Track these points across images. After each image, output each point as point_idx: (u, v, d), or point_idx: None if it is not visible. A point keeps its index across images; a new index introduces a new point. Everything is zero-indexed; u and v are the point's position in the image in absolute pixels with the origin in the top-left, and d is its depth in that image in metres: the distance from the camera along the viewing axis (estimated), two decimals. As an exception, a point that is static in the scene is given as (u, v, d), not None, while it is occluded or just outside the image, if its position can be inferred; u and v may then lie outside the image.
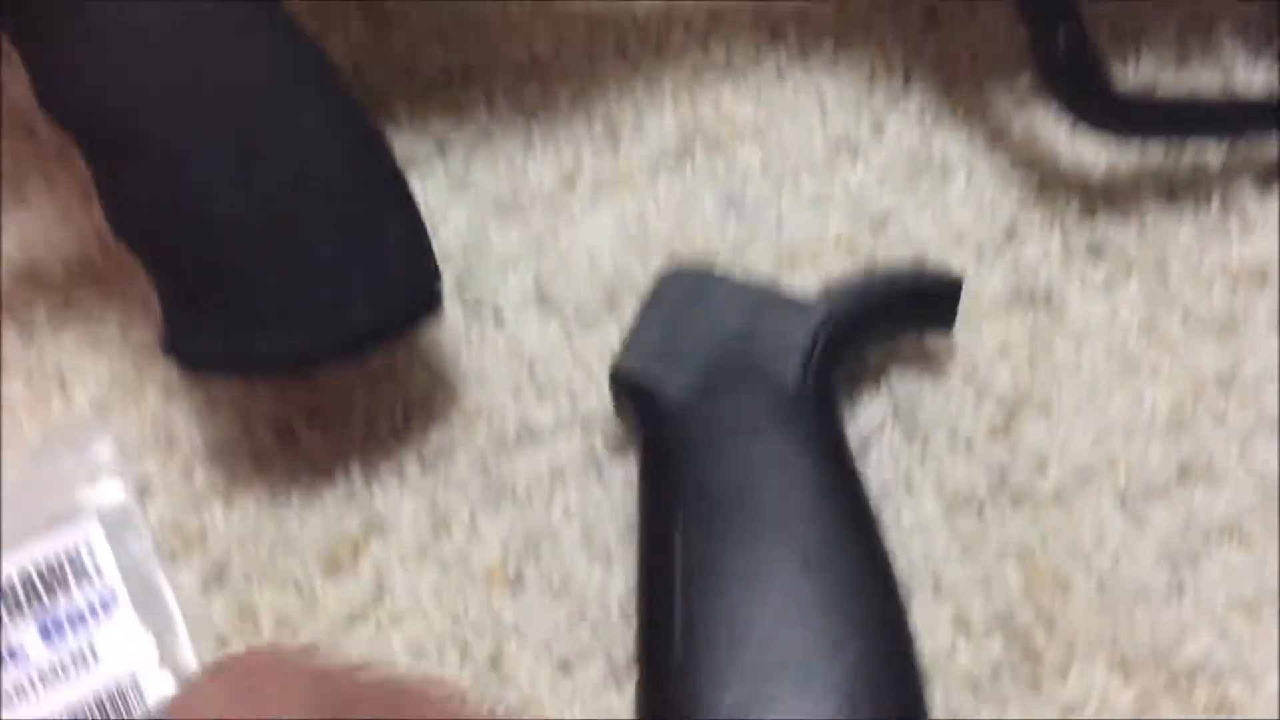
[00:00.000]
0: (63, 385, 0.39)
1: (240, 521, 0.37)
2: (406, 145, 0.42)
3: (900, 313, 0.37)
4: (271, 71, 0.33)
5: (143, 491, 0.37)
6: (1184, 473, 0.36)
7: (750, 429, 0.34)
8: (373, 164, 0.34)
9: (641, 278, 0.39)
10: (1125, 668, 0.34)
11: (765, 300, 0.36)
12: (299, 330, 0.32)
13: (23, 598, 0.34)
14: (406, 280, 0.34)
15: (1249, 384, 0.37)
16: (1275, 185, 0.40)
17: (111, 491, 0.36)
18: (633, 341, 0.36)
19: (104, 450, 0.37)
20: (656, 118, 0.43)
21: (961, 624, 0.34)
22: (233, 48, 0.32)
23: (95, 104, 0.32)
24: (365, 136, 0.35)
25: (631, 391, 0.35)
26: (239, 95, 0.32)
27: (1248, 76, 0.42)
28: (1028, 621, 0.34)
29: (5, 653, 0.33)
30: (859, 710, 0.30)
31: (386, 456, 0.38)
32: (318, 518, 0.37)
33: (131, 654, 0.34)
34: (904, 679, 0.32)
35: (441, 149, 0.42)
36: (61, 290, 0.40)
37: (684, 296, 0.36)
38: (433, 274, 0.35)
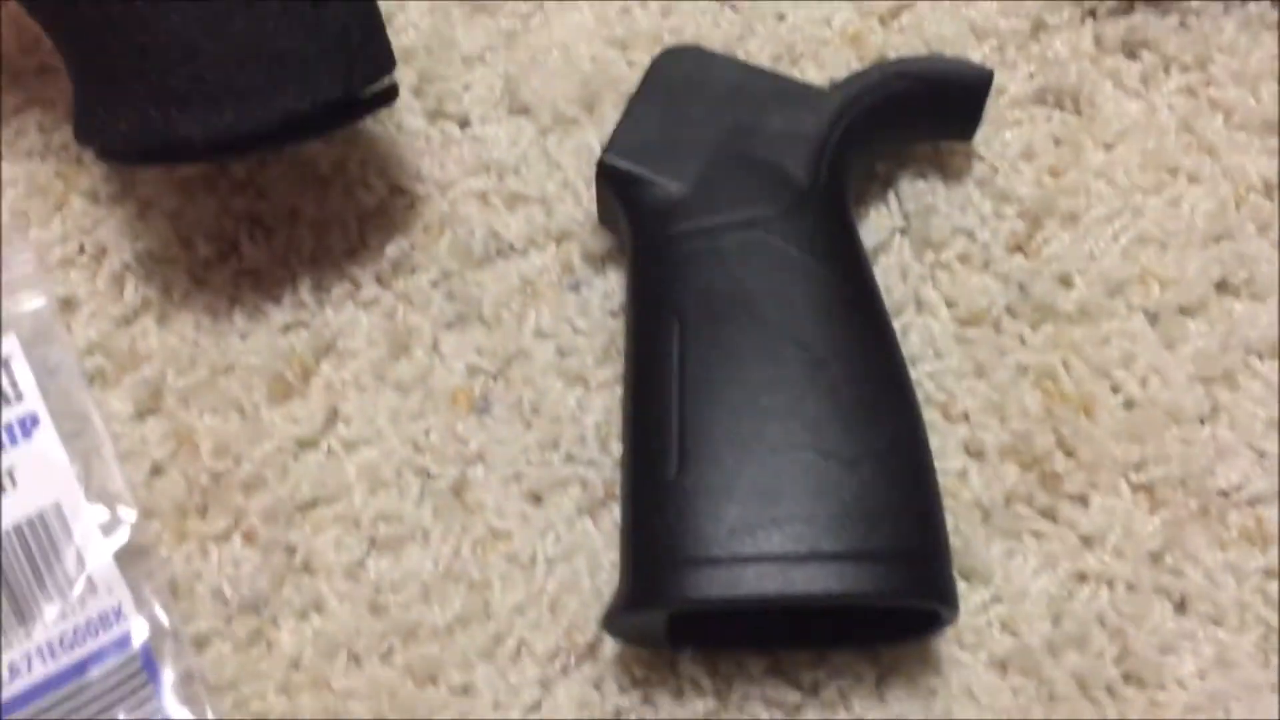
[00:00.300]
0: (-23, 193, 0.35)
1: (176, 341, 0.33)
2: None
3: (921, 108, 0.33)
4: None
5: (68, 308, 0.33)
6: (1222, 286, 0.33)
7: (756, 227, 0.30)
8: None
9: (625, 75, 0.35)
10: (1152, 494, 0.30)
11: (774, 86, 0.32)
12: (226, 109, 0.28)
13: (-68, 420, 0.31)
14: (352, 55, 0.29)
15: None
16: (1333, -26, 0.36)
17: (31, 305, 0.33)
18: (624, 130, 0.32)
19: (22, 263, 0.33)
20: (642, -102, 0.38)
21: (974, 449, 0.31)
22: None
23: None
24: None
25: (621, 187, 0.31)
26: None
27: None
28: (1047, 446, 0.31)
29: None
30: (870, 537, 0.27)
31: (339, 272, 0.34)
32: (263, 337, 0.33)
33: (54, 481, 0.30)
34: (923, 502, 0.28)
35: (399, -68, 0.38)
36: (-28, 88, 0.36)
37: (683, 81, 0.32)
38: (384, 53, 0.30)
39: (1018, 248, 0.33)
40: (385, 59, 0.31)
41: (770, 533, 0.27)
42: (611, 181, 0.31)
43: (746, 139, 0.31)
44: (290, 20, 0.28)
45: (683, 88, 0.32)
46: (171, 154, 0.29)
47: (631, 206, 0.31)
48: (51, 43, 0.30)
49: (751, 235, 0.30)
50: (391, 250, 0.34)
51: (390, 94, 0.32)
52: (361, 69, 0.30)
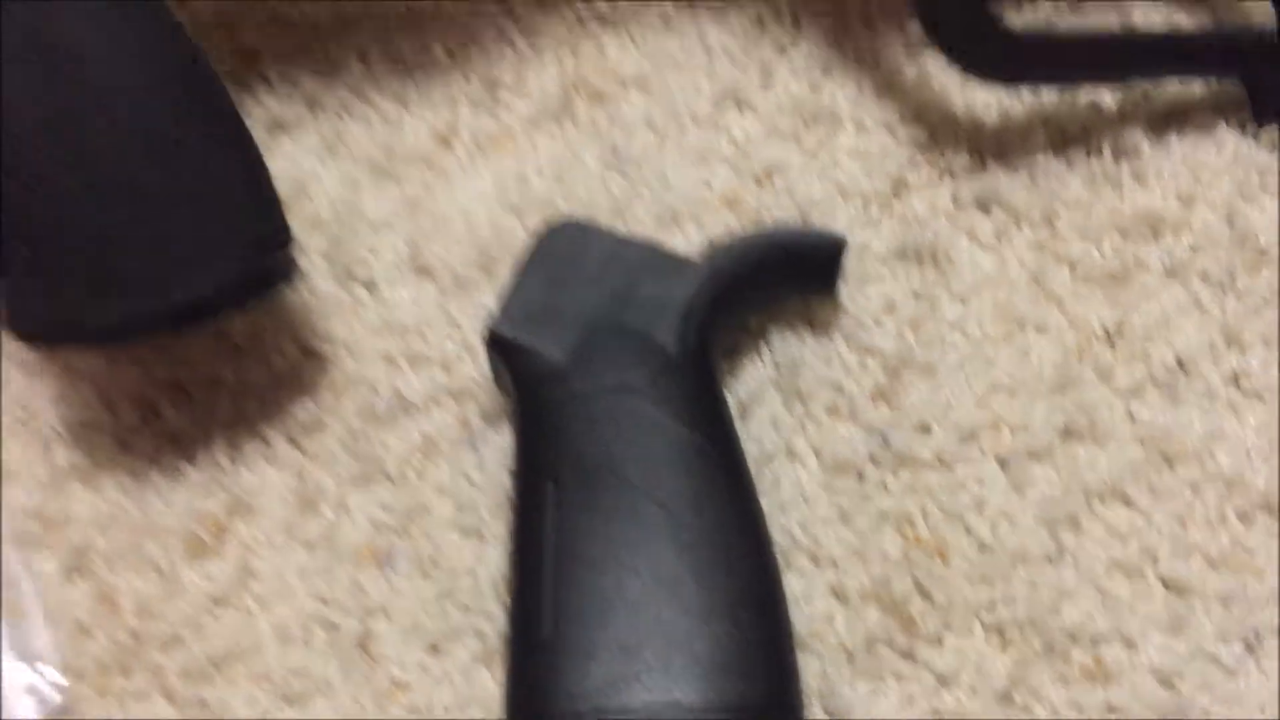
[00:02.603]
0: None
1: (102, 503, 0.36)
2: (277, 106, 0.41)
3: (782, 273, 0.36)
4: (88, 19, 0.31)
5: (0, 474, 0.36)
6: (1068, 432, 0.35)
7: (626, 392, 0.33)
8: (203, 110, 0.32)
9: (520, 239, 0.38)
10: (1002, 634, 0.33)
11: (646, 257, 0.35)
12: (127, 298, 0.31)
13: None
14: (246, 241, 0.32)
15: (1137, 337, 0.36)
16: (1170, 132, 0.39)
17: (-38, 477, 0.35)
18: (509, 301, 0.34)
19: (-45, 433, 0.36)
20: (537, 71, 0.41)
21: (839, 593, 0.34)
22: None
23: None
24: (192, 77, 0.32)
25: (507, 354, 0.34)
26: (52, 43, 0.30)
27: (1146, 17, 0.41)
28: (905, 589, 0.33)
29: None
30: (727, 688, 0.29)
31: (252, 433, 0.36)
32: (181, 498, 0.36)
33: (-19, 644, 0.33)
34: (775, 653, 0.31)
35: (313, 108, 0.41)
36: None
37: (563, 253, 0.35)
38: (277, 233, 0.33)
39: (880, 397, 0.36)
40: (282, 236, 0.33)
41: (633, 687, 0.29)
42: (498, 348, 0.34)
43: (621, 308, 0.34)
44: (187, 207, 0.31)
45: (564, 259, 0.35)
46: (81, 338, 0.32)
47: (516, 373, 0.34)
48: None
49: (621, 400, 0.32)
50: (301, 411, 0.37)
51: (289, 268, 0.34)
52: (262, 250, 0.33)
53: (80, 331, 0.31)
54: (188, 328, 0.33)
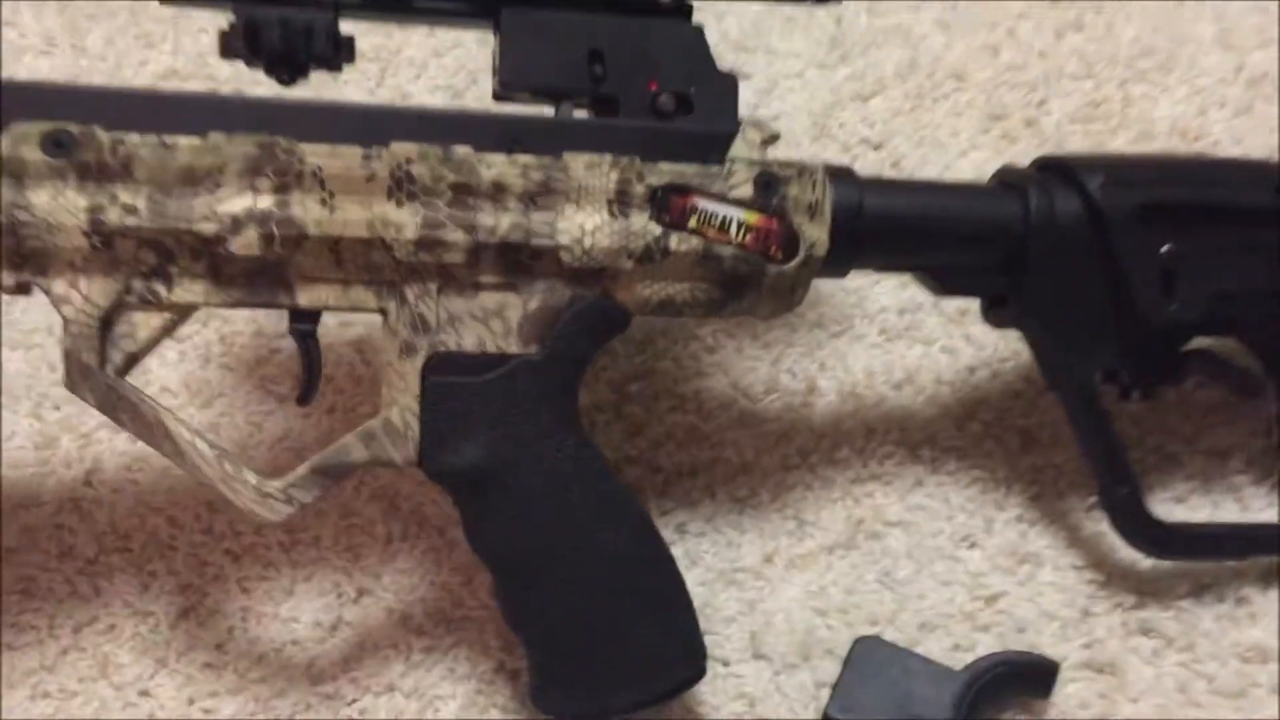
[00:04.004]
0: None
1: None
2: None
3: (1014, 685, 0.54)
4: (598, 508, 0.51)
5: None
6: (1209, 805, 0.52)
7: None
8: (667, 574, 0.52)
9: (826, 637, 0.57)
10: None
11: (923, 666, 0.53)
12: (618, 691, 0.50)
13: None
14: (693, 655, 0.51)
15: (1257, 741, 0.54)
16: (1272, 584, 0.57)
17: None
18: (837, 694, 0.53)
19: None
20: (830, 511, 0.61)
21: None
22: (572, 492, 0.50)
23: (506, 543, 0.50)
24: (655, 547, 0.52)
25: None
26: (575, 526, 0.50)
27: (1256, 504, 0.60)
28: None
29: None
30: None
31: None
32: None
33: None
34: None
35: (680, 531, 0.60)
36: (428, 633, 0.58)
37: (868, 658, 0.54)
38: (704, 651, 0.52)
39: (1079, 769, 0.53)
40: (705, 654, 0.52)
41: None
42: (830, 726, 0.53)
43: (909, 702, 0.52)
44: (659, 636, 0.51)
45: (869, 663, 0.53)
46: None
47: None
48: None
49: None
50: (685, 753, 0.55)
51: (703, 671, 0.53)
52: (700, 662, 0.52)
53: (589, 713, 0.51)
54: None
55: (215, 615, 0.58)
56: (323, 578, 0.59)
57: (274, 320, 0.64)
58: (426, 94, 0.72)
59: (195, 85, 0.72)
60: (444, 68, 0.73)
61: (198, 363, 0.63)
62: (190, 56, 0.73)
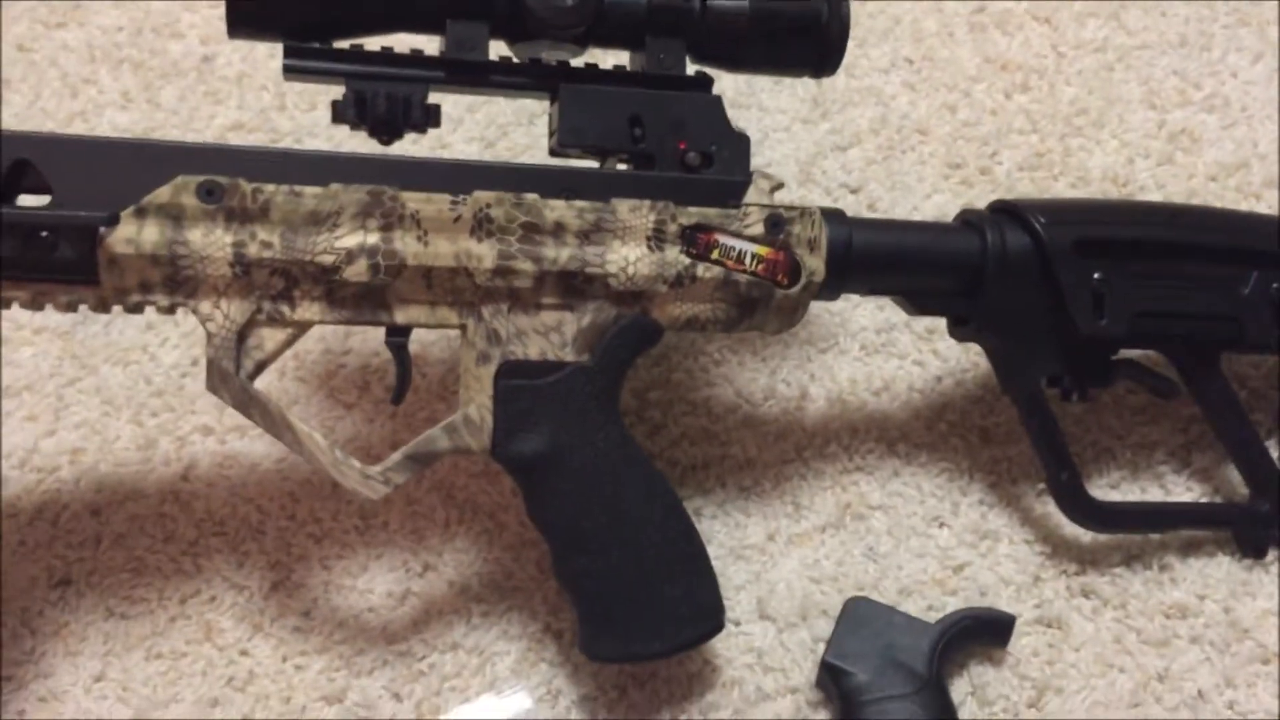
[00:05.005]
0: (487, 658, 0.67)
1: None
2: (673, 511, 0.71)
3: (977, 636, 0.65)
4: (637, 488, 0.61)
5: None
6: (1138, 731, 0.64)
7: (900, 699, 0.61)
8: (693, 545, 0.62)
9: (820, 600, 0.68)
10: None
11: (905, 621, 0.64)
12: (652, 640, 0.60)
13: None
14: (714, 613, 0.62)
15: (1175, 678, 0.65)
16: (1190, 555, 0.69)
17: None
18: (832, 643, 0.64)
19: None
20: (822, 498, 0.72)
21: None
22: (616, 475, 0.61)
23: (561, 517, 0.60)
24: (683, 522, 0.63)
25: (834, 673, 0.63)
26: (618, 503, 0.60)
27: (1176, 488, 0.71)
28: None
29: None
30: None
31: None
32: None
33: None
34: None
35: (696, 515, 0.71)
36: (485, 600, 0.68)
37: (858, 615, 0.64)
38: (723, 610, 0.63)
39: (1032, 706, 0.65)
40: (723, 613, 0.63)
41: None
42: (828, 670, 0.63)
43: (894, 649, 0.63)
44: (686, 591, 0.61)
45: (859, 619, 0.64)
46: (624, 661, 0.61)
47: (838, 684, 0.63)
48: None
49: (897, 703, 0.61)
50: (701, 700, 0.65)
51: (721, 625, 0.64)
52: (719, 617, 0.62)
53: (628, 657, 0.61)
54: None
55: (301, 588, 0.68)
56: (392, 556, 0.69)
57: (340, 339, 0.75)
58: (463, 144, 0.83)
59: (258, 137, 0.83)
60: (477, 122, 0.84)
61: (275, 376, 0.74)
62: (254, 111, 0.84)
